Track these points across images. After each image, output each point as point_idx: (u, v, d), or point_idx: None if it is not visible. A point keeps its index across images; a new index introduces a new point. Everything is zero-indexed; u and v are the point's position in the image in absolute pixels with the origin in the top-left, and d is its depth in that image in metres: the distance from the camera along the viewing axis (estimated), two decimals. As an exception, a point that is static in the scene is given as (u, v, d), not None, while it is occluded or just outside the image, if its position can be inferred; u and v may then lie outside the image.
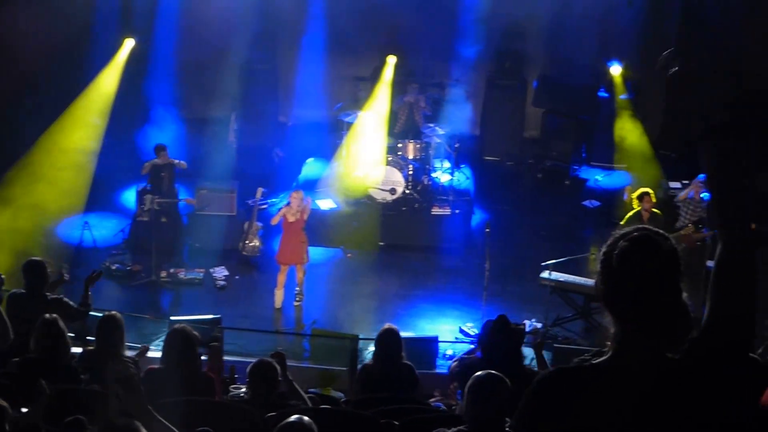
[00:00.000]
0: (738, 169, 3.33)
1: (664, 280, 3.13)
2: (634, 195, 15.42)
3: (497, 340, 8.96)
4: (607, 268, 3.20)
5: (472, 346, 10.91)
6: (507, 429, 6.34)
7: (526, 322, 14.90)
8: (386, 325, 9.60)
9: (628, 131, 20.87)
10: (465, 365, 8.88)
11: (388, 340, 9.37)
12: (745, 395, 3.20)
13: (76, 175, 18.46)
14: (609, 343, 3.24)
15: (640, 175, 19.56)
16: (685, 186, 16.91)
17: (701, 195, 15.90)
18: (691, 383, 3.13)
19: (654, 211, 15.16)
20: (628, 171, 20.58)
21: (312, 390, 10.95)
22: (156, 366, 8.47)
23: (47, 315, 8.63)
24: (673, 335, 3.16)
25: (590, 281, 15.01)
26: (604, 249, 3.23)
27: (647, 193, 15.24)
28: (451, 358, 13.91)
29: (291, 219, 15.34)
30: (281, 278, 15.60)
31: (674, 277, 3.15)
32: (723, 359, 3.17)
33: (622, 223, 15.27)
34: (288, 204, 15.50)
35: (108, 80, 19.83)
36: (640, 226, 3.24)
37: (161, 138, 18.05)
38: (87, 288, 10.48)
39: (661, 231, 3.23)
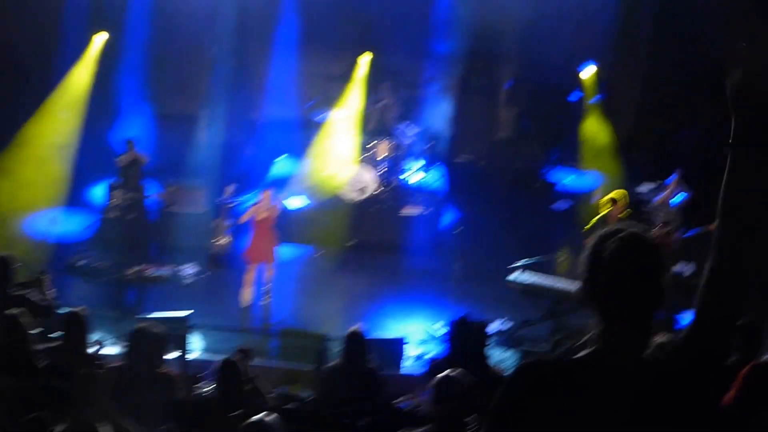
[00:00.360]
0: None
1: (652, 274, 3.15)
2: (604, 199, 15.47)
3: (459, 339, 8.95)
4: (596, 266, 3.20)
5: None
6: (472, 427, 6.34)
7: (495, 322, 14.91)
8: (352, 327, 9.58)
9: (597, 132, 20.95)
10: (432, 366, 8.86)
11: (353, 342, 9.35)
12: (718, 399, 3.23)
13: (49, 169, 18.36)
14: (587, 338, 3.25)
15: (608, 177, 19.67)
16: (656, 190, 16.93)
17: (671, 200, 15.94)
18: (674, 384, 3.13)
19: (622, 215, 15.20)
20: (597, 171, 20.68)
21: (279, 389, 10.91)
22: (119, 363, 8.40)
23: (11, 310, 8.54)
24: (654, 332, 3.19)
25: (559, 283, 15.03)
26: (590, 248, 3.23)
27: (618, 198, 15.29)
28: (418, 359, 13.91)
29: (260, 217, 15.28)
30: (249, 276, 15.53)
31: (662, 275, 3.18)
32: (705, 364, 3.19)
33: (586, 227, 15.33)
34: (257, 202, 15.44)
35: (81, 75, 19.71)
36: (623, 226, 3.24)
37: (132, 134, 17.93)
38: (42, 289, 10.43)
39: (642, 230, 3.24)
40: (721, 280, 3.23)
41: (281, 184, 19.08)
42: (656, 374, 3.14)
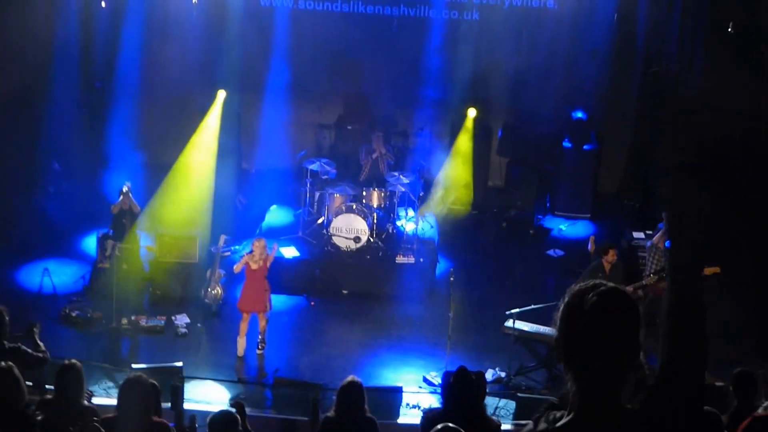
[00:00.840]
0: (694, 208, 3.34)
1: (630, 335, 3.14)
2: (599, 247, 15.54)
3: (457, 392, 8.89)
4: (571, 321, 3.17)
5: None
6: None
7: (490, 371, 14.87)
8: (349, 378, 9.50)
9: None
10: (427, 417, 8.80)
11: (350, 393, 9.27)
12: None
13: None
14: (566, 400, 3.23)
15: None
16: (649, 236, 16.96)
17: (664, 244, 15.96)
18: None
19: (615, 263, 15.24)
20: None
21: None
22: (113, 414, 8.34)
23: (2, 363, 8.48)
24: (629, 387, 3.18)
25: (554, 331, 14.99)
26: (565, 302, 3.21)
27: (612, 247, 15.34)
28: (414, 407, 13.84)
29: (254, 267, 15.26)
30: (243, 326, 15.48)
31: (636, 331, 3.16)
32: (678, 409, 3.19)
33: (583, 274, 15.33)
34: (250, 252, 15.42)
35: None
36: (598, 280, 3.22)
37: (123, 183, 17.90)
38: (34, 340, 10.38)
39: (619, 286, 3.24)
40: (680, 320, 3.23)
41: (274, 233, 19.08)
42: (636, 425, 3.13)
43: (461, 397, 8.84)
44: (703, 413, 3.28)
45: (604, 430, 3.11)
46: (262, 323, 15.53)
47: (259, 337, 15.54)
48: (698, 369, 3.23)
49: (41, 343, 10.40)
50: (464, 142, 21.40)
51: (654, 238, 16.35)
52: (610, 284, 3.20)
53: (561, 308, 3.24)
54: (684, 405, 3.20)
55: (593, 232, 19.54)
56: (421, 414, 9.98)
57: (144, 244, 17.23)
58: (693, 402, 3.24)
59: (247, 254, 15.47)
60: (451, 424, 6.39)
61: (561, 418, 3.23)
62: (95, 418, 8.38)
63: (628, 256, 17.95)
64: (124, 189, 16.99)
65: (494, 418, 9.37)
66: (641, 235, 18.38)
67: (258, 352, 15.55)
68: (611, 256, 15.19)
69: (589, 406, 3.14)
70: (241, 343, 15.48)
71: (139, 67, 20.88)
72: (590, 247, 15.92)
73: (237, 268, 15.55)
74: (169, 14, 21.11)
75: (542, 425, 3.25)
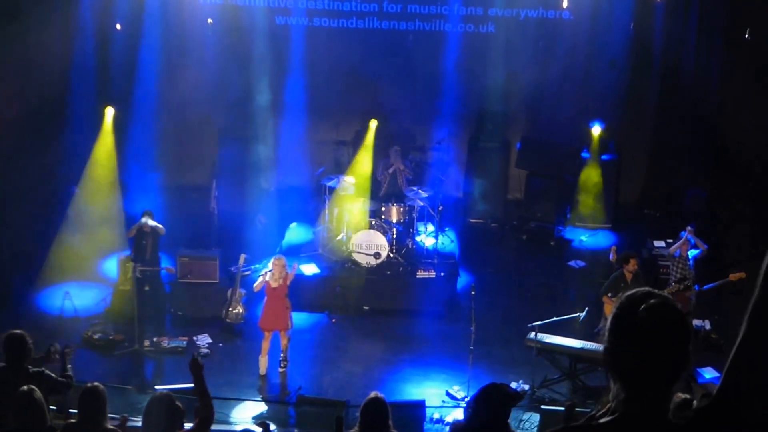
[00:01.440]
0: None
1: (680, 343, 3.13)
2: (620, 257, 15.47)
3: (484, 406, 8.82)
4: (620, 333, 3.16)
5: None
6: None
7: (513, 383, 14.81)
8: (372, 394, 9.44)
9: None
10: (452, 429, 8.76)
11: (373, 410, 9.21)
12: None
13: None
14: (611, 404, 3.21)
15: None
16: (670, 244, 16.87)
17: (688, 252, 15.88)
18: None
19: (637, 273, 15.17)
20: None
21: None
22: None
23: (24, 387, 8.47)
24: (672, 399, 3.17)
25: (576, 343, 14.95)
26: (614, 313, 3.18)
27: (633, 256, 15.27)
28: (438, 422, 13.80)
29: (274, 285, 15.25)
30: (265, 345, 15.47)
31: (687, 341, 3.14)
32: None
33: (605, 284, 15.27)
34: (270, 270, 15.41)
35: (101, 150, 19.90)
36: (648, 289, 3.19)
37: (143, 205, 17.93)
38: (65, 362, 10.35)
39: (669, 297, 3.20)
40: (754, 347, 3.16)
41: (294, 251, 19.08)
42: None
43: (486, 411, 8.76)
44: None
45: None
46: (283, 341, 15.51)
47: (281, 355, 15.52)
48: (763, 392, 3.10)
49: (70, 366, 10.39)
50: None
51: (673, 247, 16.27)
52: (660, 295, 3.16)
53: (610, 319, 3.21)
54: (740, 425, 3.10)
55: (614, 242, 19.45)
56: (445, 428, 9.92)
57: (164, 265, 17.22)
58: (749, 424, 3.12)
59: (266, 272, 15.46)
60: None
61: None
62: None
63: (649, 265, 17.87)
64: (143, 219, 16.93)
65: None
66: (662, 244, 18.32)
67: (280, 370, 15.53)
68: (632, 266, 15.11)
69: (633, 412, 3.13)
70: (264, 362, 15.47)
71: (156, 89, 20.93)
72: (612, 257, 15.84)
73: (257, 286, 15.55)
74: (184, 35, 21.17)
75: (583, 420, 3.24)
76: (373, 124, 20.79)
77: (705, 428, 3.13)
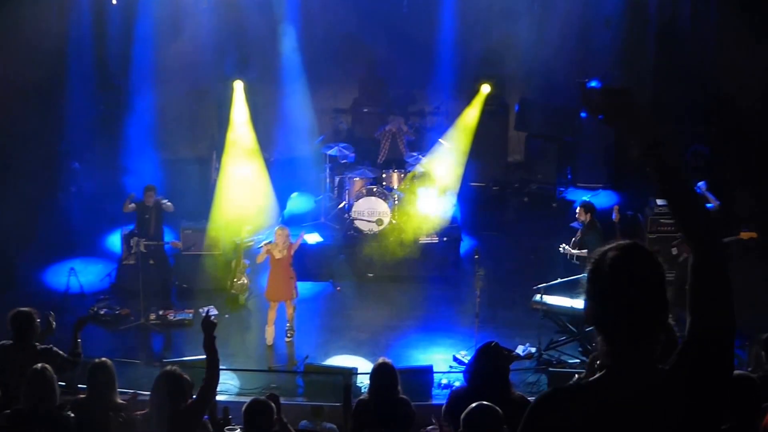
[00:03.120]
0: (683, 180, 3.37)
1: (654, 290, 3.14)
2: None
3: (482, 367, 8.84)
4: (595, 282, 3.18)
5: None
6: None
7: (520, 346, 14.85)
8: (380, 360, 9.47)
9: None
10: (456, 395, 8.77)
11: (382, 375, 9.24)
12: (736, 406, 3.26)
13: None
14: (599, 362, 3.25)
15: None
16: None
17: None
18: (681, 393, 3.15)
19: (593, 222, 15.54)
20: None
21: (303, 423, 10.85)
22: (145, 411, 8.36)
23: (37, 365, 8.49)
24: (660, 347, 3.21)
25: (582, 303, 14.96)
26: (591, 265, 3.21)
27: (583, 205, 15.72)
28: (446, 387, 13.83)
29: (278, 256, 15.25)
30: (271, 315, 15.50)
31: (662, 288, 3.17)
32: (707, 369, 3.19)
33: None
34: (273, 241, 15.42)
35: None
36: (621, 242, 3.22)
37: (144, 180, 17.91)
38: (76, 335, 10.33)
39: (642, 244, 3.27)
40: (704, 277, 3.21)
41: (296, 220, 19.08)
42: (667, 385, 3.16)
43: (488, 372, 8.78)
44: (734, 374, 3.27)
45: (635, 388, 3.13)
46: (289, 311, 15.54)
47: (288, 325, 15.55)
48: (727, 328, 3.23)
49: (80, 342, 10.40)
50: (470, 117, 21.21)
51: None
52: (630, 243, 3.19)
53: (586, 273, 3.26)
54: (713, 364, 3.20)
55: (617, 202, 19.43)
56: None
57: (168, 239, 17.22)
58: (722, 362, 3.23)
59: (269, 243, 15.47)
60: (485, 402, 6.36)
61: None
62: (129, 414, 8.41)
63: (652, 224, 17.87)
64: (147, 195, 16.90)
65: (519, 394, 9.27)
66: (665, 202, 18.29)
67: (287, 340, 15.57)
68: (581, 215, 15.69)
69: (619, 365, 3.17)
70: (270, 332, 15.50)
71: (153, 62, 20.87)
72: (614, 216, 15.83)
73: (260, 258, 15.57)
74: (179, 7, 21.05)
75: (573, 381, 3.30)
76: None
77: (686, 365, 3.18)
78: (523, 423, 3.20)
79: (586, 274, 3.28)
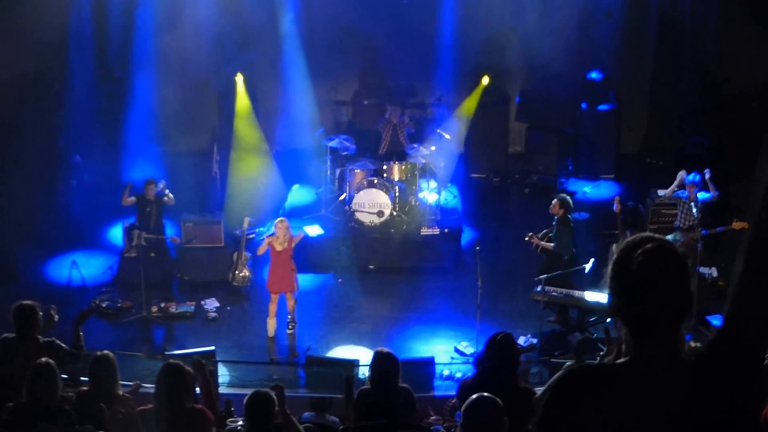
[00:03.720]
0: None
1: (681, 284, 3.16)
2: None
3: (492, 358, 8.86)
4: (622, 280, 3.20)
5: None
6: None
7: (522, 337, 14.87)
8: (380, 349, 9.48)
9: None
10: (463, 386, 8.79)
11: (383, 365, 9.25)
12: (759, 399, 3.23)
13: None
14: (621, 349, 3.26)
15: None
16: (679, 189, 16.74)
17: (696, 195, 15.88)
18: (708, 384, 3.15)
19: (565, 219, 15.54)
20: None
21: (307, 415, 10.86)
22: (149, 406, 8.38)
23: (40, 360, 8.51)
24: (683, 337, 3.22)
25: (584, 294, 14.98)
26: (615, 260, 3.21)
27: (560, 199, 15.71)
28: (448, 378, 13.86)
29: (278, 248, 15.26)
30: (272, 307, 15.52)
31: (687, 281, 3.19)
32: (739, 362, 3.17)
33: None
34: (273, 233, 15.43)
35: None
36: (645, 234, 3.22)
37: (145, 173, 17.93)
38: (78, 328, 10.36)
39: (664, 237, 3.23)
40: (754, 279, 3.19)
41: (297, 212, 19.08)
42: (692, 375, 3.15)
43: (495, 364, 8.80)
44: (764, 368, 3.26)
45: (659, 377, 3.14)
46: (290, 303, 15.56)
47: (289, 317, 15.58)
48: (765, 320, 3.19)
49: (82, 335, 10.42)
50: (470, 108, 21.20)
51: (671, 190, 16.37)
52: (658, 238, 3.19)
53: (610, 266, 3.26)
54: (746, 359, 3.18)
55: (618, 193, 19.42)
56: (455, 384, 9.96)
57: (169, 233, 17.25)
58: (756, 356, 3.21)
59: (269, 236, 15.48)
60: (486, 394, 6.37)
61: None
62: (131, 406, 8.43)
63: (653, 215, 17.89)
64: (148, 188, 16.92)
65: (528, 384, 9.31)
66: (665, 193, 18.30)
67: (288, 332, 15.60)
68: (554, 209, 15.74)
69: (643, 354, 3.18)
70: (272, 324, 15.53)
71: (153, 55, 20.84)
72: (616, 207, 15.84)
73: (260, 250, 15.60)
74: (180, -1, 21.05)
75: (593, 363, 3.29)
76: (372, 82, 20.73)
77: (715, 360, 3.18)
78: (546, 397, 3.21)
79: (609, 267, 3.28)
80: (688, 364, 3.17)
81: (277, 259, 15.34)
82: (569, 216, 15.74)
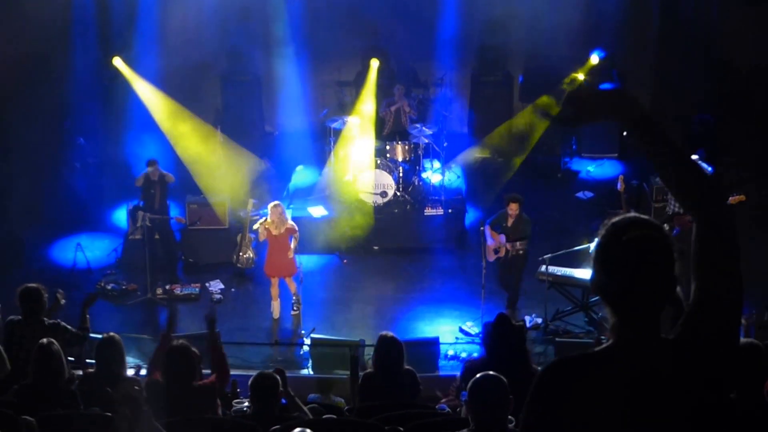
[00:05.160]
0: (676, 147, 3.36)
1: (665, 272, 3.15)
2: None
3: (498, 340, 8.89)
4: (606, 263, 3.20)
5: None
6: (511, 428, 6.30)
7: (526, 317, 14.89)
8: (384, 333, 9.51)
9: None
10: (468, 367, 8.81)
11: (386, 348, 9.29)
12: (742, 376, 3.26)
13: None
14: (606, 333, 3.29)
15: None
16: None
17: None
18: (689, 361, 3.16)
19: (519, 215, 15.21)
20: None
21: (312, 396, 10.90)
22: (157, 378, 8.43)
23: (43, 340, 8.56)
24: (666, 320, 3.23)
25: (588, 274, 14.98)
26: (598, 243, 3.22)
27: (514, 200, 15.27)
28: (453, 358, 13.88)
29: (274, 232, 15.19)
30: (274, 291, 15.56)
31: (672, 268, 3.17)
32: (712, 338, 3.19)
33: (493, 217, 15.30)
34: (266, 217, 15.35)
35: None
36: (633, 216, 3.21)
37: (149, 154, 17.91)
38: (84, 311, 10.41)
39: (653, 220, 3.25)
40: (709, 240, 3.23)
41: (301, 194, 19.07)
42: (672, 355, 3.16)
43: (502, 345, 8.83)
44: (740, 341, 3.28)
45: (642, 358, 3.15)
46: (292, 287, 15.56)
47: (293, 298, 15.58)
48: (733, 294, 3.22)
49: (88, 317, 10.46)
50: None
51: None
52: (644, 221, 3.19)
53: (595, 246, 3.26)
54: (719, 331, 3.20)
55: (622, 171, 19.38)
56: (460, 364, 9.99)
57: (173, 214, 17.26)
58: (729, 328, 3.24)
59: (264, 220, 15.38)
60: (491, 372, 6.39)
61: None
62: (138, 389, 8.46)
63: (657, 193, 17.87)
64: (149, 169, 16.92)
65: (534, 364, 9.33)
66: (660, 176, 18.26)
67: (293, 313, 15.61)
68: (512, 210, 15.17)
69: (627, 336, 3.18)
70: (276, 306, 15.55)
71: (157, 35, 20.77)
72: (619, 186, 15.80)
73: (260, 237, 15.53)
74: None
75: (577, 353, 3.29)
76: (375, 63, 20.64)
77: (691, 334, 3.19)
78: (530, 393, 3.22)
79: (594, 245, 3.30)
80: (668, 343, 3.19)
81: (274, 242, 15.30)
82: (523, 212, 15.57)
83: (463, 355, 13.90)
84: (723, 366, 3.20)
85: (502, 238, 15.12)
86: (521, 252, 15.19)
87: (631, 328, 3.17)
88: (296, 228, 15.44)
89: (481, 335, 9.89)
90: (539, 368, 8.79)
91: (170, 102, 19.79)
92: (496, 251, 15.13)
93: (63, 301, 10.96)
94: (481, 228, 15.39)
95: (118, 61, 19.62)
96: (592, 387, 3.14)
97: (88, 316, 10.40)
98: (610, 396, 3.12)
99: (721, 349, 3.19)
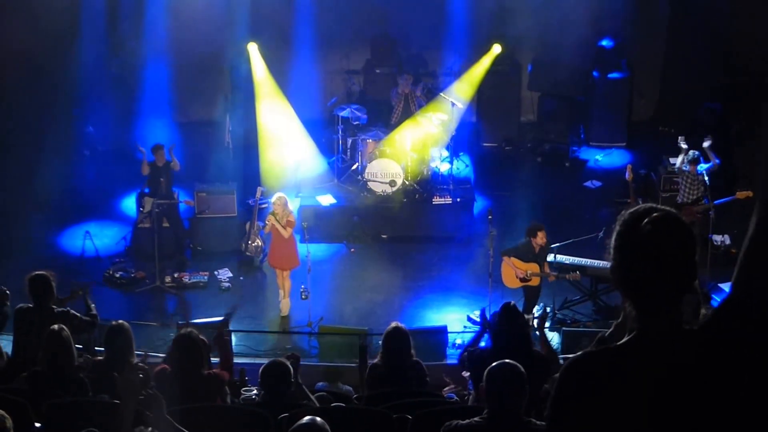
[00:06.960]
0: None
1: (686, 256, 3.14)
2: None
3: (504, 328, 8.89)
4: (626, 248, 3.18)
5: (475, 334, 10.73)
6: (525, 418, 6.32)
7: (535, 306, 14.89)
8: (392, 324, 9.52)
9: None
10: (476, 356, 8.82)
11: (394, 339, 9.30)
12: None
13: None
14: (617, 322, 3.26)
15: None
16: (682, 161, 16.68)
17: (697, 168, 15.81)
18: (715, 353, 3.11)
19: (546, 244, 14.79)
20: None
21: (320, 384, 10.93)
22: (165, 366, 8.45)
23: (54, 326, 8.60)
24: (685, 309, 3.19)
25: (596, 263, 14.98)
26: (617, 231, 3.20)
27: (540, 228, 14.75)
28: (460, 347, 13.89)
29: (277, 226, 15.15)
30: (280, 282, 15.54)
31: (693, 253, 3.16)
32: (745, 332, 3.13)
33: (512, 248, 15.01)
34: (272, 211, 15.31)
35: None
36: (649, 205, 3.21)
37: (156, 141, 17.91)
38: (86, 301, 10.49)
39: (670, 209, 3.21)
40: (763, 247, 3.19)
41: (309, 182, 19.06)
42: (698, 346, 3.12)
43: (507, 332, 8.84)
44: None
45: (664, 350, 3.12)
46: (287, 283, 15.46)
47: (302, 287, 15.53)
48: None
49: (93, 305, 10.50)
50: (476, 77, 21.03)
51: (678, 162, 16.28)
52: (662, 209, 3.18)
53: (614, 237, 3.22)
54: (750, 329, 3.14)
55: (630, 161, 19.36)
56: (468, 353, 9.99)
57: (182, 200, 17.28)
58: (760, 327, 3.16)
59: (270, 215, 15.32)
60: (507, 360, 6.41)
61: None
62: (145, 376, 8.49)
63: (665, 182, 17.84)
64: (156, 155, 16.94)
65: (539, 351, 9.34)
66: (678, 161, 18.26)
67: (302, 298, 15.55)
68: (540, 239, 14.63)
69: (648, 327, 3.16)
70: (285, 304, 15.50)
71: (166, 24, 20.76)
72: (628, 175, 15.79)
73: (266, 230, 15.52)
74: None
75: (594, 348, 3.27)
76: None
77: (720, 328, 3.16)
78: (554, 388, 3.21)
79: (613, 234, 3.27)
80: (692, 334, 3.16)
81: (278, 235, 15.26)
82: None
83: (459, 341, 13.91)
84: (757, 364, 3.15)
85: (536, 267, 14.70)
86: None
87: (653, 317, 3.15)
88: (294, 222, 15.39)
89: (482, 322, 9.87)
90: (539, 352, 8.87)
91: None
92: (524, 279, 14.81)
93: (80, 293, 11.02)
94: (504, 258, 15.01)
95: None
96: (616, 381, 3.12)
97: (92, 304, 10.46)
98: (635, 390, 3.10)
99: (749, 347, 3.17)
